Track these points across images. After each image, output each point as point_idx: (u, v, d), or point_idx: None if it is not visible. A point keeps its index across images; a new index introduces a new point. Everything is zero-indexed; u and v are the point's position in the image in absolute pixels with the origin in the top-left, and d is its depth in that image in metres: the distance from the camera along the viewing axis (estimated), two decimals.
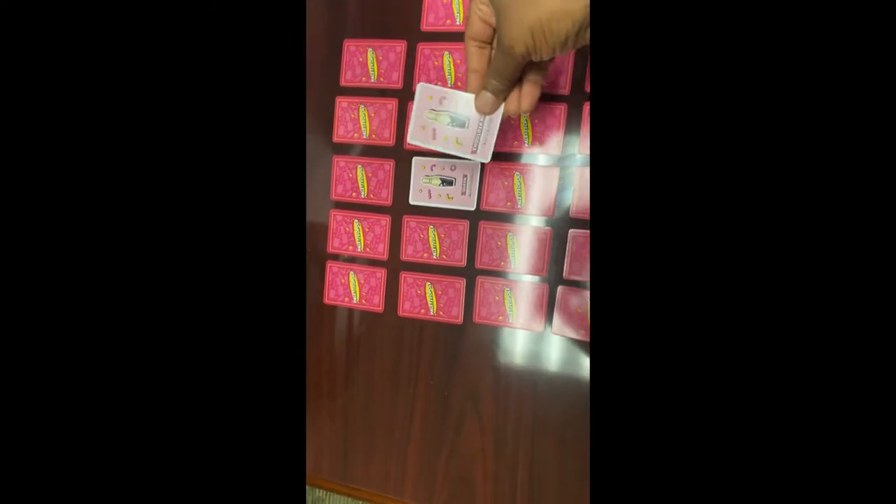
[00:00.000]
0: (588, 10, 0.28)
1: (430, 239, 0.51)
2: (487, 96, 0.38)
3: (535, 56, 0.32)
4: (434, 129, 0.42)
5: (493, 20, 0.34)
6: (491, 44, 0.36)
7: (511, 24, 0.31)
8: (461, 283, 0.50)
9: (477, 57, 0.37)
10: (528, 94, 0.38)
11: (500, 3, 0.31)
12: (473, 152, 0.41)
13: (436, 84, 0.45)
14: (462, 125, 0.41)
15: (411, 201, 0.50)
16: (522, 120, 0.47)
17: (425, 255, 0.51)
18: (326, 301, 0.54)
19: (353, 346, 0.54)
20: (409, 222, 0.51)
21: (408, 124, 0.49)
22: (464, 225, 0.50)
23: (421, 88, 0.41)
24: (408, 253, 0.51)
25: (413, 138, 0.42)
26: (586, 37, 0.30)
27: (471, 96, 0.39)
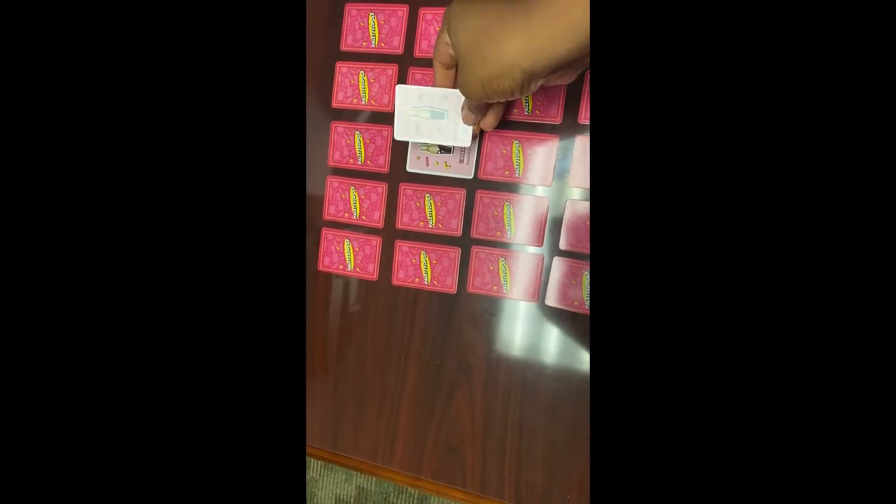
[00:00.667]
0: (527, 71, 0.33)
1: (427, 207, 0.50)
2: (468, 113, 0.43)
3: (489, 101, 0.37)
4: (417, 125, 0.45)
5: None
6: (456, 67, 0.40)
7: (465, 75, 0.36)
8: (456, 253, 0.50)
9: (442, 76, 0.42)
10: (494, 111, 0.44)
11: (458, 53, 0.36)
12: (455, 139, 0.45)
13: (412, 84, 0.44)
14: (441, 116, 0.45)
15: (409, 169, 0.50)
16: None
17: (421, 223, 0.51)
18: (321, 268, 0.54)
19: (346, 314, 0.54)
20: (406, 190, 0.51)
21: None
22: (460, 194, 0.49)
23: (399, 90, 0.45)
24: (403, 221, 0.51)
25: (399, 135, 0.45)
26: (532, 87, 0.35)
27: (445, 90, 0.43)
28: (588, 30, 0.30)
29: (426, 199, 0.50)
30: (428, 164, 0.49)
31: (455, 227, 0.50)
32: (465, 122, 0.44)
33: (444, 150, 0.49)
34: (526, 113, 0.47)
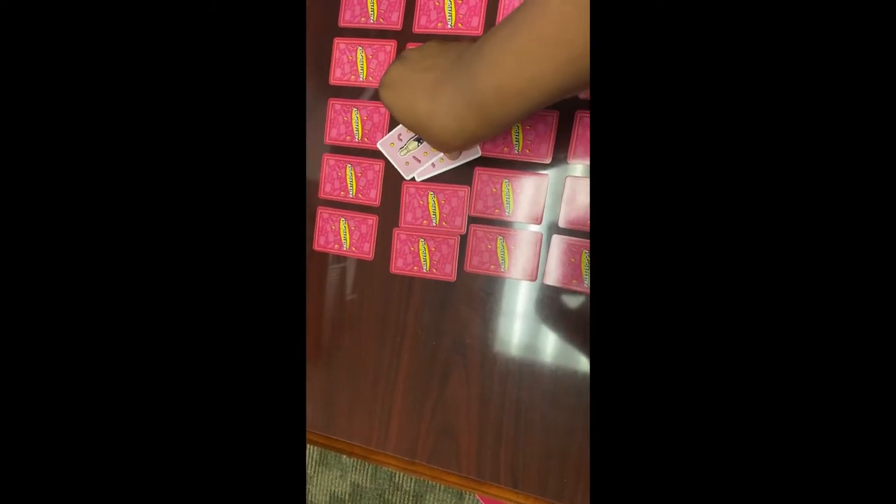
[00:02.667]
0: (478, 140, 0.35)
1: (430, 205, 0.49)
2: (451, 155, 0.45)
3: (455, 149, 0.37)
4: (414, 157, 0.48)
5: None
6: None
7: (427, 141, 0.37)
8: (455, 240, 0.49)
9: None
10: None
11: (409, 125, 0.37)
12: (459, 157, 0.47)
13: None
14: None
15: (419, 179, 0.49)
16: None
17: (424, 222, 0.50)
18: (316, 248, 0.53)
19: (342, 299, 0.53)
20: (409, 188, 0.50)
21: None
22: (464, 191, 0.48)
23: (381, 146, 0.49)
24: (406, 220, 0.50)
25: (409, 175, 0.49)
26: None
27: None
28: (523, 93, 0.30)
29: (429, 196, 0.49)
30: (434, 167, 0.49)
31: (459, 226, 0.49)
32: (452, 159, 0.46)
33: (420, 139, 0.49)
34: None
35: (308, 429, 0.55)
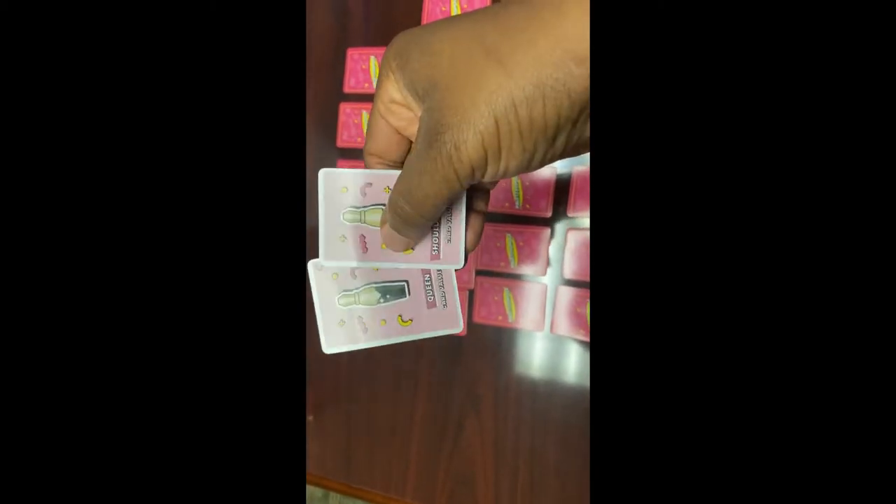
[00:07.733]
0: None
1: None
2: (393, 234, 0.24)
3: (493, 168, 0.19)
4: (361, 237, 0.26)
5: (410, 115, 0.23)
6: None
7: (458, 110, 0.18)
8: (463, 296, 0.51)
9: (387, 141, 0.24)
10: (470, 227, 0.25)
11: (435, 79, 0.19)
12: (435, 257, 0.25)
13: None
14: None
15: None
16: None
17: None
18: None
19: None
20: None
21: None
22: None
23: (323, 175, 0.26)
24: None
25: (327, 257, 0.25)
26: (585, 133, 0.19)
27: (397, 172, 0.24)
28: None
29: None
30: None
31: (467, 280, 0.51)
32: (393, 246, 0.25)
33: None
34: None
35: (328, 476, 0.56)
